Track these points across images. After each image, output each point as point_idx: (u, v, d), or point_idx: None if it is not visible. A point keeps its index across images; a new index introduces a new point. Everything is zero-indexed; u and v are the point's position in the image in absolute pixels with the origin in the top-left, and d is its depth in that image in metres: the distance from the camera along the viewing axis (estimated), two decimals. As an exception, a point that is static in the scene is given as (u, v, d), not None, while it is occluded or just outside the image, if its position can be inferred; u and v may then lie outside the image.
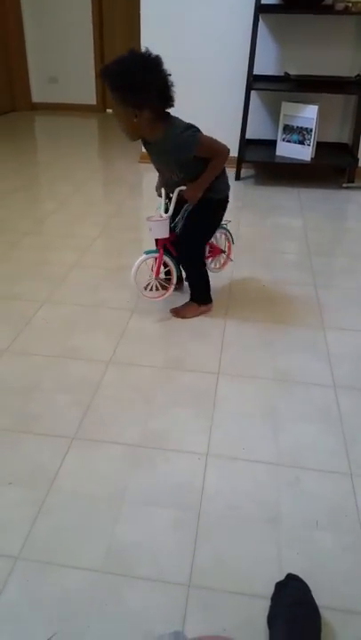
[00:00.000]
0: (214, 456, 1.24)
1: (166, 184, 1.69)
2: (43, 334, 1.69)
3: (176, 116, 1.59)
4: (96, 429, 1.31)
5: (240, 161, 3.27)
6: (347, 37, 3.12)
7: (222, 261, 1.99)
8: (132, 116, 1.49)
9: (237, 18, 3.12)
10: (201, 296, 1.80)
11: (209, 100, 3.38)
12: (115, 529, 1.06)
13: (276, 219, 2.75)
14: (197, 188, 1.61)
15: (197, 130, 1.55)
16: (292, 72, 3.15)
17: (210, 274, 1.85)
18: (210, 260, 1.91)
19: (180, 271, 1.83)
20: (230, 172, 3.27)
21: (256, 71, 3.09)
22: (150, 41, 3.29)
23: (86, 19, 4.91)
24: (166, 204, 1.70)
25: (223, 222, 1.83)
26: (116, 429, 1.31)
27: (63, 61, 5.10)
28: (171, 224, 1.69)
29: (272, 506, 1.12)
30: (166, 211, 1.68)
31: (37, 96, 5.27)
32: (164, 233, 1.69)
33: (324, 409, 1.40)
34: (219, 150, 1.58)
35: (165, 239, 1.71)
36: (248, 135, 3.26)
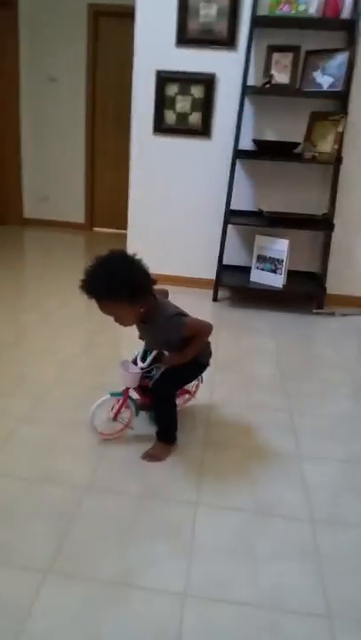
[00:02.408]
0: (192, 597, 1.21)
1: (150, 347, 1.77)
2: (19, 455, 1.68)
3: (167, 300, 1.73)
4: (71, 563, 1.27)
5: (217, 284, 3.49)
6: (314, 181, 3.51)
7: (185, 398, 2.01)
8: (137, 310, 1.58)
9: (218, 161, 3.51)
10: (170, 437, 1.78)
11: (191, 230, 3.68)
12: None
13: (250, 340, 2.89)
14: (177, 360, 1.68)
15: (184, 315, 1.68)
16: (265, 209, 3.49)
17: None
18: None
19: (138, 413, 1.82)
20: (208, 294, 3.51)
21: (233, 206, 3.42)
22: (137, 178, 3.66)
23: (80, 147, 5.39)
24: (144, 351, 1.77)
25: None
26: (92, 563, 1.28)
27: (55, 181, 5.51)
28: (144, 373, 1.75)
29: (251, 655, 1.08)
30: (143, 360, 1.74)
31: (29, 212, 5.61)
32: (133, 383, 1.74)
33: (302, 545, 1.40)
34: (203, 330, 1.69)
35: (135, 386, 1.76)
36: (225, 261, 3.51)
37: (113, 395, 1.76)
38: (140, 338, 1.79)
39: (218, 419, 2.02)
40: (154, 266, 3.70)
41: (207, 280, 3.63)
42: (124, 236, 3.79)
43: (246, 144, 3.39)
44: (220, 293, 3.55)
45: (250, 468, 1.72)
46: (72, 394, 2.10)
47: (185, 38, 3.33)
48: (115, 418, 1.78)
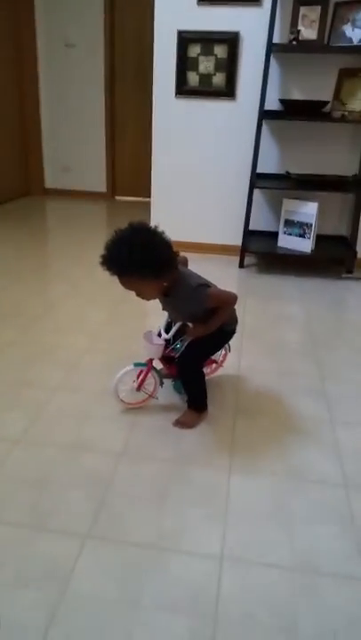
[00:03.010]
0: (229, 559, 1.23)
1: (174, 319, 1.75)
2: (55, 423, 1.71)
3: (187, 269, 1.68)
4: (109, 528, 1.31)
5: (243, 250, 3.44)
6: (343, 141, 3.39)
7: (213, 367, 2.00)
8: (161, 284, 1.55)
9: (243, 123, 3.41)
10: (200, 404, 1.79)
11: (216, 195, 3.61)
12: (130, 638, 1.04)
13: (278, 307, 2.85)
14: (202, 332, 1.65)
15: (207, 286, 1.63)
16: (293, 171, 3.39)
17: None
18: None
19: (162, 383, 1.81)
20: (234, 261, 3.47)
21: (259, 170, 3.33)
22: (160, 143, 3.58)
23: (100, 114, 5.31)
24: (168, 322, 1.76)
25: None
26: (129, 528, 1.31)
27: (76, 151, 5.46)
28: (169, 343, 1.74)
29: (288, 614, 1.10)
30: (167, 331, 1.74)
31: (51, 182, 5.59)
32: (157, 355, 1.73)
33: (337, 509, 1.40)
34: (227, 300, 1.65)
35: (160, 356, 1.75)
36: (251, 227, 3.45)
37: (137, 365, 1.76)
38: (164, 309, 1.78)
39: (247, 386, 2.02)
40: (178, 233, 3.69)
41: (233, 246, 3.59)
42: (147, 204, 3.75)
43: (273, 104, 3.27)
44: (247, 260, 3.50)
45: (282, 434, 1.72)
46: (103, 362, 2.12)
47: (207, -6, 3.20)
48: (138, 388, 1.79)
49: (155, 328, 1.81)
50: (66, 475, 1.48)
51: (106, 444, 1.62)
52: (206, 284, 1.65)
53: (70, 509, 1.36)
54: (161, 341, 1.73)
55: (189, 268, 1.73)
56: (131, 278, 1.50)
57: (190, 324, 1.70)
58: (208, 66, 3.34)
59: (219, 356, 1.99)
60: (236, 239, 3.52)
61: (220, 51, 3.30)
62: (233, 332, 1.80)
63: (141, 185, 4.79)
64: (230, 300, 1.66)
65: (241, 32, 3.25)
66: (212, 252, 3.67)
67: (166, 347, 1.75)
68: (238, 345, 2.29)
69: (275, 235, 3.48)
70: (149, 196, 3.72)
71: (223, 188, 3.60)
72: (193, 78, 3.38)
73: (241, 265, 3.47)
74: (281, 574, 1.20)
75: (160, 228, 1.52)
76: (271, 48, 3.04)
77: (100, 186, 5.54)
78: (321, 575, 1.20)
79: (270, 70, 3.14)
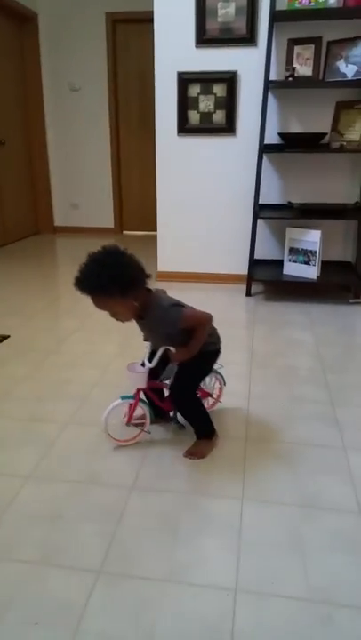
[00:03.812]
0: (243, 592, 1.22)
1: (154, 346, 1.76)
2: (66, 458, 1.72)
3: (162, 292, 1.68)
4: (121, 563, 1.30)
5: (250, 279, 3.47)
6: (343, 170, 3.46)
7: (210, 402, 1.99)
8: (132, 305, 1.57)
9: (244, 157, 3.50)
10: (206, 431, 1.78)
11: (221, 227, 3.69)
12: None
13: (287, 333, 2.86)
14: (185, 355, 1.66)
15: (181, 306, 1.64)
16: (295, 200, 3.45)
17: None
18: None
19: (153, 415, 1.82)
20: (241, 289, 3.50)
21: (262, 201, 3.40)
22: (164, 179, 3.68)
23: (106, 152, 5.48)
24: (151, 352, 1.76)
25: (215, 366, 1.85)
26: (141, 562, 1.30)
27: (83, 189, 5.60)
28: (154, 374, 1.74)
29: (306, 648, 1.08)
30: (150, 360, 1.73)
31: (60, 220, 5.73)
32: (141, 383, 1.73)
33: (352, 538, 1.38)
34: (201, 320, 1.64)
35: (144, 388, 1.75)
36: (256, 256, 3.50)
37: (124, 398, 1.76)
38: (145, 339, 1.78)
39: (258, 414, 2.01)
40: (185, 264, 3.75)
41: (239, 275, 3.63)
42: (154, 238, 3.82)
43: (272, 138, 3.37)
44: (254, 288, 3.54)
45: (293, 461, 1.71)
46: (113, 394, 2.12)
47: (204, 38, 3.34)
48: (128, 422, 1.79)
49: (139, 360, 1.81)
50: (77, 510, 1.48)
51: (117, 478, 1.62)
52: (180, 305, 1.65)
53: (82, 545, 1.35)
54: (144, 370, 1.72)
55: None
56: (101, 297, 1.53)
57: (173, 349, 1.69)
58: (208, 104, 3.46)
59: (212, 388, 1.97)
60: (242, 268, 3.56)
61: (219, 89, 3.41)
62: (217, 351, 1.78)
63: (148, 219, 4.90)
64: (204, 319, 1.65)
65: (238, 71, 3.37)
66: (218, 281, 3.72)
67: (155, 377, 1.75)
68: (248, 372, 2.30)
69: (280, 262, 3.52)
70: (155, 230, 3.80)
71: (227, 219, 3.67)
72: (194, 117, 3.50)
73: (248, 293, 3.50)
74: (297, 606, 1.18)
75: (129, 251, 1.56)
76: (268, 85, 3.15)
77: (108, 221, 5.66)
78: (338, 606, 1.18)
79: (268, 105, 3.25)
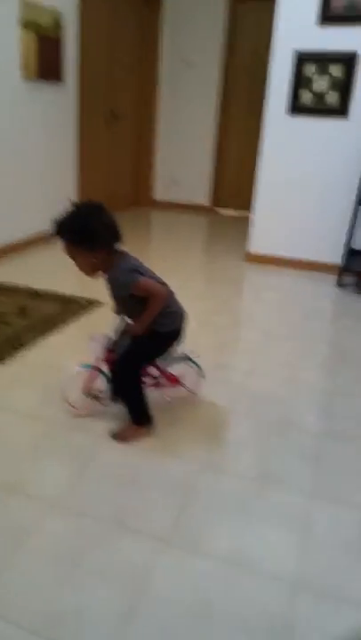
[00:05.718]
0: (304, 588, 1.22)
1: (118, 313, 1.76)
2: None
3: (131, 255, 1.68)
4: (188, 536, 1.34)
5: (344, 269, 3.37)
6: None
7: (181, 390, 1.90)
8: (90, 259, 1.59)
9: (353, 141, 3.38)
10: (138, 417, 1.73)
11: (318, 213, 3.60)
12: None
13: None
14: (138, 326, 1.65)
15: (139, 273, 1.62)
16: None
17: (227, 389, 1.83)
18: (160, 389, 1.86)
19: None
20: (330, 279, 3.40)
21: (367, 189, 3.26)
22: (268, 158, 3.63)
23: (210, 130, 5.49)
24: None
25: (191, 355, 1.81)
26: (207, 539, 1.33)
27: (185, 165, 5.67)
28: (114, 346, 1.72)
29: None
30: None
31: (159, 195, 5.85)
32: (97, 352, 1.71)
33: None
34: (154, 292, 1.62)
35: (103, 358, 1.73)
36: (353, 246, 3.38)
37: (83, 366, 1.75)
38: (117, 313, 1.76)
39: (345, 409, 1.97)
40: (276, 248, 3.68)
41: (331, 265, 3.53)
42: (244, 219, 3.78)
43: (386, 123, 3.20)
44: (346, 279, 3.42)
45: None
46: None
47: (327, 15, 3.22)
48: (85, 391, 1.76)
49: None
50: (150, 478, 1.54)
51: (190, 453, 1.66)
52: (139, 272, 1.62)
53: (153, 512, 1.40)
54: (102, 339, 1.71)
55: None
56: (66, 243, 1.58)
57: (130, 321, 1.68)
58: (322, 85, 3.35)
59: (182, 376, 1.88)
60: (336, 257, 3.46)
61: (336, 70, 3.30)
62: (174, 333, 1.73)
63: (242, 199, 4.86)
64: (156, 291, 1.62)
65: (358, 51, 3.22)
66: (308, 268, 3.64)
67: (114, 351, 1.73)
68: (333, 367, 2.26)
69: (378, 256, 3.38)
70: (249, 210, 3.77)
71: (326, 205, 3.56)
72: (306, 96, 3.41)
73: (340, 284, 3.40)
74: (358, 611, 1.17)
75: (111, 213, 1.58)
76: (390, 67, 2.99)
77: (203, 199, 5.69)
78: None
79: (387, 89, 3.09)
